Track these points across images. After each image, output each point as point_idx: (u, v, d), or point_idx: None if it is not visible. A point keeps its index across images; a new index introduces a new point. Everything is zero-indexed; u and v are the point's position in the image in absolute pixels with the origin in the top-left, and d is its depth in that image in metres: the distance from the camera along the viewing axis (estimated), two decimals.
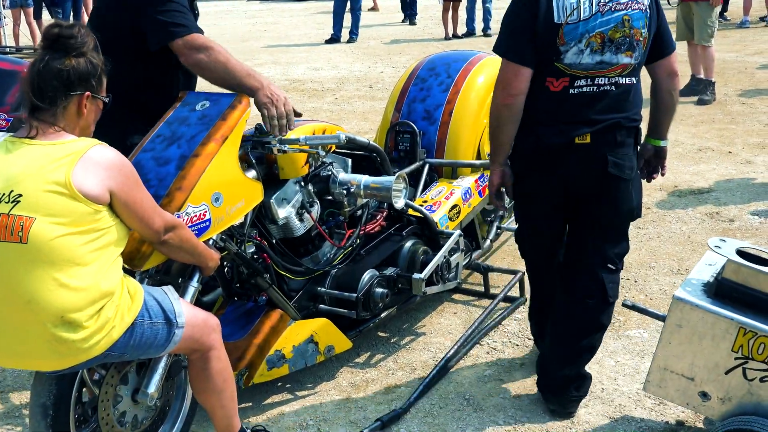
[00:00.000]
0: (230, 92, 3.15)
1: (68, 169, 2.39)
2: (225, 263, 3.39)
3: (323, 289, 3.59)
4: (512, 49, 3.05)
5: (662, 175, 3.45)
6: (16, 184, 2.38)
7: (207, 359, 2.84)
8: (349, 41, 14.52)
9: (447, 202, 4.17)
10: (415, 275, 3.70)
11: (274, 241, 3.43)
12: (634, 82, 3.10)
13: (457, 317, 4.19)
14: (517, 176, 3.23)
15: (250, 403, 3.47)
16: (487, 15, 14.72)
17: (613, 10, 2.98)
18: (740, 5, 14.48)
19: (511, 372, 3.67)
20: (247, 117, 3.09)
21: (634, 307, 3.26)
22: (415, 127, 4.32)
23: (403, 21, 16.10)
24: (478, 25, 14.88)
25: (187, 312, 2.73)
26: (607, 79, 3.03)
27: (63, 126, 2.50)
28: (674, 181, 6.21)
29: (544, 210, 3.26)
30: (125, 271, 2.65)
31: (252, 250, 3.34)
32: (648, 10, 3.05)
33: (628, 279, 4.52)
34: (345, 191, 3.51)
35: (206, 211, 2.89)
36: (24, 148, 2.45)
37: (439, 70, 4.62)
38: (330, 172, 3.55)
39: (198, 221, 2.87)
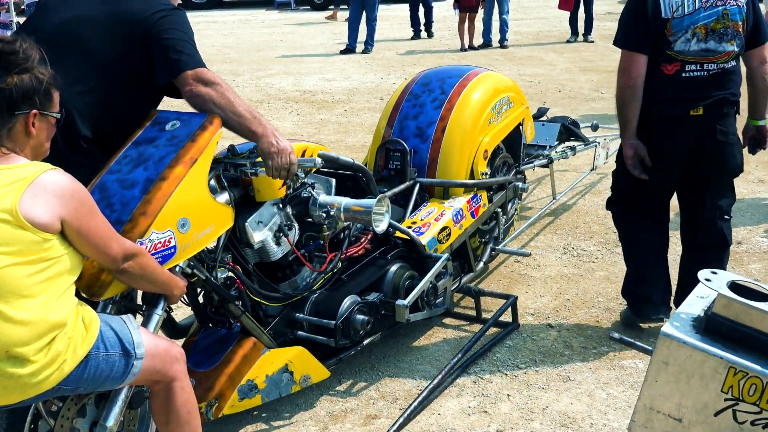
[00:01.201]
0: (201, 113, 3.03)
1: (16, 196, 2.27)
2: (197, 288, 3.28)
3: (302, 316, 3.46)
4: (629, 40, 3.73)
5: (763, 148, 4.12)
6: None
7: (170, 391, 2.71)
8: (364, 52, 14.41)
9: (437, 223, 4.03)
10: (399, 301, 3.57)
11: (250, 265, 3.31)
12: (735, 65, 3.76)
13: (446, 343, 4.05)
14: (643, 141, 3.82)
15: None
16: (504, 26, 14.56)
17: (714, 5, 3.63)
18: None
19: (497, 404, 3.51)
20: (219, 138, 2.97)
21: (622, 341, 3.09)
22: (406, 146, 4.18)
23: (412, 38, 15.71)
24: (495, 36, 14.72)
25: (147, 342, 2.61)
26: (715, 65, 3.68)
27: (11, 147, 2.38)
28: None
29: (665, 167, 3.85)
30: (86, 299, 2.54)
31: (225, 275, 3.21)
32: (744, 7, 3.67)
33: (621, 303, 4.35)
34: (324, 214, 3.38)
35: (171, 238, 2.77)
36: None
37: (434, 86, 4.48)
38: (310, 194, 3.42)
39: (162, 248, 2.74)
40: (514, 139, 4.78)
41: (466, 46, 14.43)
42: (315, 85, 11.48)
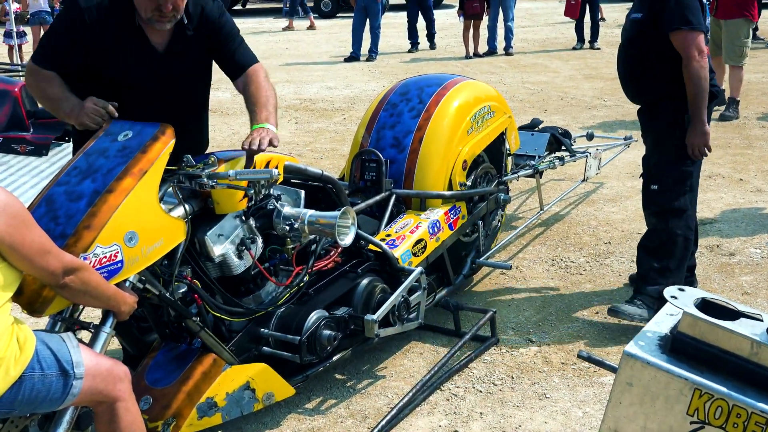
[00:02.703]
0: (154, 123, 2.94)
1: None
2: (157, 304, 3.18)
3: (266, 331, 3.36)
4: (700, 21, 3.83)
5: None
6: None
7: (114, 412, 2.62)
8: (368, 60, 14.33)
9: (411, 236, 3.92)
10: (368, 316, 3.46)
11: (210, 280, 3.21)
12: None
13: (422, 359, 3.94)
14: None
15: None
16: (509, 34, 14.43)
17: None
18: None
19: (469, 423, 3.40)
20: (170, 149, 2.88)
21: (589, 359, 2.97)
22: (381, 156, 4.07)
23: (409, 50, 15.43)
24: (500, 44, 14.60)
25: (88, 361, 2.51)
26: None
27: None
28: None
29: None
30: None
31: (183, 290, 3.12)
32: None
33: (606, 317, 4.23)
34: (288, 227, 3.28)
35: (118, 252, 2.68)
36: None
37: (412, 94, 4.38)
38: (274, 206, 3.32)
39: (108, 263, 2.65)
40: (496, 149, 4.67)
41: (471, 54, 14.32)
42: (316, 93, 11.40)
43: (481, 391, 3.64)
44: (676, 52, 3.89)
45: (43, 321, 2.75)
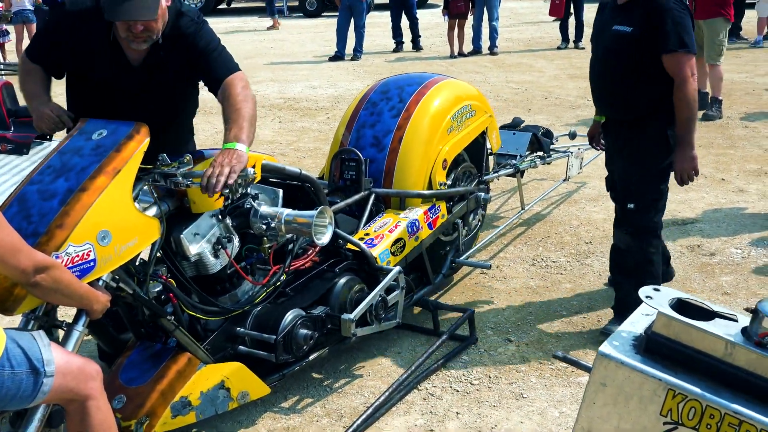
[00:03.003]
0: (129, 122, 2.92)
1: None
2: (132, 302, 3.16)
3: (242, 330, 3.35)
4: (692, 43, 3.77)
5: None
6: None
7: (85, 410, 2.59)
8: (353, 59, 14.31)
9: (390, 235, 3.91)
10: (345, 315, 3.45)
11: (186, 279, 3.19)
12: None
13: (400, 357, 3.93)
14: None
15: None
16: (493, 33, 14.44)
17: None
18: (755, 24, 14.14)
19: (444, 422, 3.40)
20: (145, 148, 2.86)
21: (565, 359, 2.97)
22: (360, 155, 4.06)
23: (394, 50, 15.36)
24: (485, 43, 14.61)
25: (58, 359, 2.49)
26: None
27: None
28: None
29: None
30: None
31: (158, 289, 3.10)
32: None
33: (584, 317, 4.24)
34: (265, 226, 3.26)
35: (91, 251, 2.66)
36: None
37: (392, 93, 4.37)
38: (251, 205, 3.30)
39: (81, 261, 2.63)
40: (477, 148, 4.66)
41: (456, 53, 14.33)
42: (300, 92, 11.38)
43: (458, 391, 3.63)
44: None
45: (17, 319, 2.73)
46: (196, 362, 3.15)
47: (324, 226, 3.27)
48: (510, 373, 3.79)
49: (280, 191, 3.53)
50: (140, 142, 2.86)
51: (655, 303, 2.61)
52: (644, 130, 3.90)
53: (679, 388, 2.49)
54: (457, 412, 3.46)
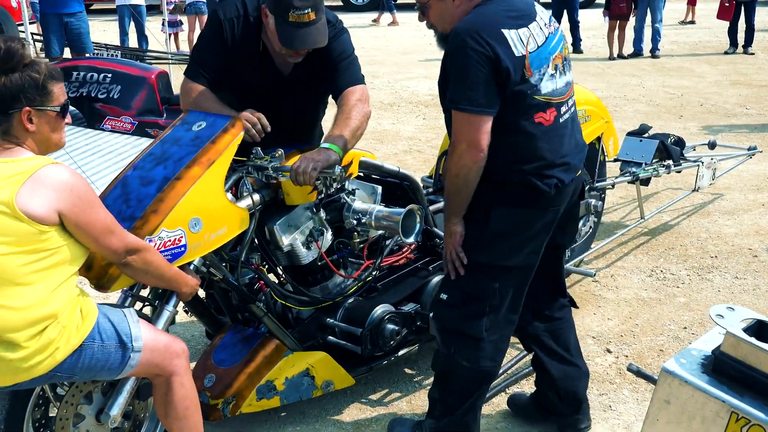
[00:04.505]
0: (227, 115, 3.10)
1: (14, 189, 2.37)
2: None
3: (332, 321, 3.47)
4: (474, 100, 2.74)
5: None
6: None
7: (169, 385, 2.78)
8: None
9: None
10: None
11: (279, 268, 3.35)
12: None
13: None
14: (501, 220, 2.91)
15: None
16: (656, 35, 13.99)
17: (553, 32, 2.95)
18: None
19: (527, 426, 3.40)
20: (239, 141, 3.02)
21: (639, 373, 2.91)
22: None
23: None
24: (646, 45, 14.17)
25: (146, 336, 2.69)
26: (572, 100, 3.03)
27: (16, 142, 2.49)
28: None
29: (538, 246, 3.01)
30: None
31: (249, 276, 3.27)
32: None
33: (693, 333, 4.11)
34: (356, 221, 3.37)
35: (182, 236, 2.84)
36: None
37: None
38: (345, 200, 3.41)
39: (172, 246, 2.82)
40: (591, 154, 4.59)
41: (615, 55, 13.98)
42: None
43: None
44: None
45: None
46: (284, 349, 3.29)
47: (413, 225, 3.33)
48: (602, 383, 3.73)
49: (379, 188, 3.63)
50: (235, 135, 3.02)
51: (725, 323, 2.54)
52: None
53: (743, 412, 2.41)
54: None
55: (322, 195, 3.33)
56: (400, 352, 3.62)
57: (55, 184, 2.43)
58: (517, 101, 2.80)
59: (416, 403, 3.59)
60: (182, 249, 2.85)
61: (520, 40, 2.79)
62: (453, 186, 2.89)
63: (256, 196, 3.14)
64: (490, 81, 2.74)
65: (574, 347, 3.34)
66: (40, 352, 2.44)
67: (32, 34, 12.35)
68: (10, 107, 2.44)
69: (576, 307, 3.46)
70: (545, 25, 2.92)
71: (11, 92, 2.43)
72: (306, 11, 3.11)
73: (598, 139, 4.60)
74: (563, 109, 2.93)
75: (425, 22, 3.08)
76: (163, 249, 2.79)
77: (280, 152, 3.14)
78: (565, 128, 2.94)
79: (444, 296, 3.01)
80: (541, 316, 3.30)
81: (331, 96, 3.50)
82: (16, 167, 2.43)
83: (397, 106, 10.32)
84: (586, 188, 4.60)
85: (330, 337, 3.48)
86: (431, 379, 3.71)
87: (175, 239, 2.83)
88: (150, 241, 2.75)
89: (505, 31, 2.77)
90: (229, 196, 3.02)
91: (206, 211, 2.90)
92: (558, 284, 3.34)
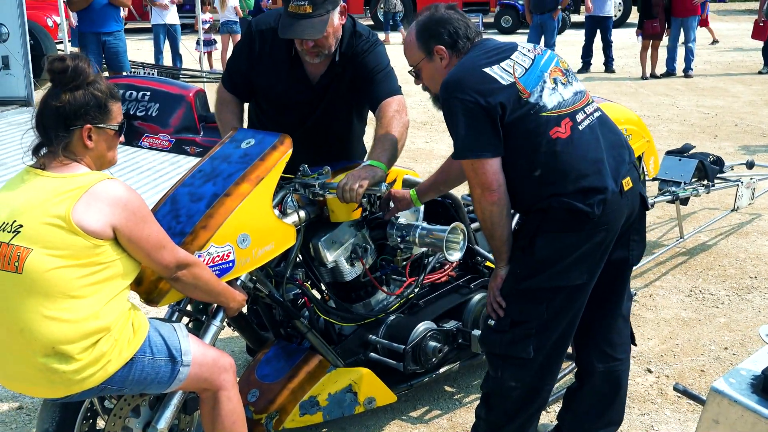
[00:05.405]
0: (275, 132, 3.14)
1: (70, 204, 2.43)
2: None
3: (374, 338, 3.49)
4: (473, 146, 2.79)
5: None
6: (19, 214, 2.45)
7: (217, 399, 2.81)
8: None
9: None
10: (475, 332, 3.52)
11: (323, 284, 3.38)
12: None
13: None
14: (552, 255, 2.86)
15: None
16: (689, 55, 13.94)
17: (540, 53, 2.99)
18: None
19: None
20: (287, 158, 3.06)
21: (685, 393, 2.90)
22: None
23: (579, 70, 14.98)
24: (680, 65, 14.11)
25: (195, 350, 2.72)
26: (590, 106, 2.99)
27: (73, 158, 2.55)
28: None
29: (593, 266, 2.91)
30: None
31: (294, 292, 3.30)
32: None
33: (734, 353, 4.07)
34: (400, 238, 3.39)
35: (230, 252, 2.88)
36: (35, 180, 2.51)
37: None
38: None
39: (221, 261, 2.85)
40: None
41: (648, 74, 13.94)
42: None
43: None
44: None
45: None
46: (327, 365, 3.32)
47: (456, 243, 3.35)
48: (644, 403, 3.72)
49: (422, 206, 3.65)
50: (283, 153, 3.06)
51: None
52: None
53: None
54: None
55: (367, 212, 3.36)
56: (441, 370, 3.62)
57: (110, 199, 2.48)
58: (525, 123, 2.80)
59: (456, 421, 3.60)
60: (230, 264, 2.88)
61: (504, 71, 2.83)
62: (486, 231, 2.94)
63: (302, 213, 3.18)
64: (484, 124, 2.77)
65: (622, 395, 3.25)
66: (92, 364, 2.48)
67: (71, 52, 12.56)
68: (72, 124, 2.51)
69: (635, 344, 3.35)
70: (529, 51, 2.95)
71: (74, 109, 2.50)
72: (303, 3, 3.22)
73: (639, 158, 4.59)
74: (579, 117, 2.89)
75: (421, 85, 3.16)
76: (211, 264, 2.82)
77: (327, 169, 3.17)
78: (588, 134, 2.89)
79: (491, 322, 2.97)
80: (601, 354, 3.16)
81: (369, 107, 3.57)
82: (73, 182, 2.48)
83: (430, 125, 10.36)
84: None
85: (372, 354, 3.50)
86: (471, 397, 3.74)
87: (224, 255, 2.86)
88: (199, 256, 2.79)
89: (487, 69, 2.82)
90: (276, 212, 3.06)
91: (254, 227, 2.93)
92: (620, 309, 3.17)
